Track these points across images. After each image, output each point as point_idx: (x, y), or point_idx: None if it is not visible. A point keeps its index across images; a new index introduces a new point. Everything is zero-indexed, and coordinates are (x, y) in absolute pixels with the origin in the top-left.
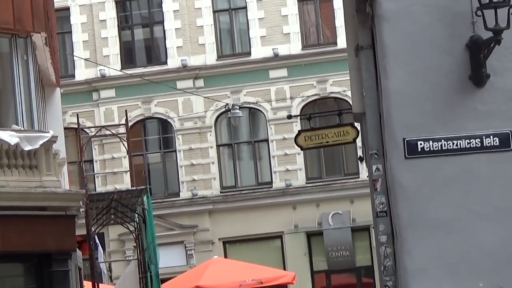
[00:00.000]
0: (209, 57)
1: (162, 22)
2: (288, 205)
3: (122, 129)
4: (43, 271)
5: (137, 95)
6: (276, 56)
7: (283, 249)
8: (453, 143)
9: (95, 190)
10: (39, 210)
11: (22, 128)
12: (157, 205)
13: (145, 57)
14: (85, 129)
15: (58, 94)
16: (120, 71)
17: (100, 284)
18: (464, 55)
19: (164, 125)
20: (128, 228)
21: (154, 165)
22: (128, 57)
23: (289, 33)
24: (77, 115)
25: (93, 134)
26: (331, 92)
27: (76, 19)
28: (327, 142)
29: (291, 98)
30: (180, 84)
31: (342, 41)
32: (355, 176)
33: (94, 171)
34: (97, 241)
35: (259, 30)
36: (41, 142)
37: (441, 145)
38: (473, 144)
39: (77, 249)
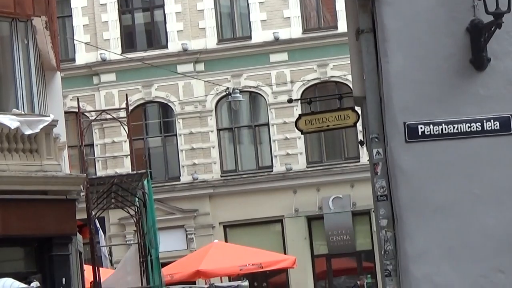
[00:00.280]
0: (210, 41)
1: (162, 6)
2: (288, 189)
3: (123, 113)
4: (44, 255)
5: (137, 79)
6: (276, 40)
7: (283, 233)
8: (454, 127)
9: (96, 174)
10: (40, 194)
11: (23, 112)
12: (158, 189)
13: (145, 41)
14: (85, 113)
15: (58, 78)
16: (120, 55)
17: (100, 268)
18: (465, 38)
19: (165, 109)
20: (128, 212)
21: (155, 149)
22: (128, 41)
23: (289, 17)
24: (78, 99)
25: (93, 118)
26: (332, 76)
27: (77, 2)
28: (327, 126)
29: (292, 82)
30: (181, 68)
31: (342, 25)
32: (356, 160)
33: (94, 155)
34: (98, 225)
35: (259, 14)
36: (41, 126)
37: (442, 129)
38: (473, 128)
39: (78, 233)
